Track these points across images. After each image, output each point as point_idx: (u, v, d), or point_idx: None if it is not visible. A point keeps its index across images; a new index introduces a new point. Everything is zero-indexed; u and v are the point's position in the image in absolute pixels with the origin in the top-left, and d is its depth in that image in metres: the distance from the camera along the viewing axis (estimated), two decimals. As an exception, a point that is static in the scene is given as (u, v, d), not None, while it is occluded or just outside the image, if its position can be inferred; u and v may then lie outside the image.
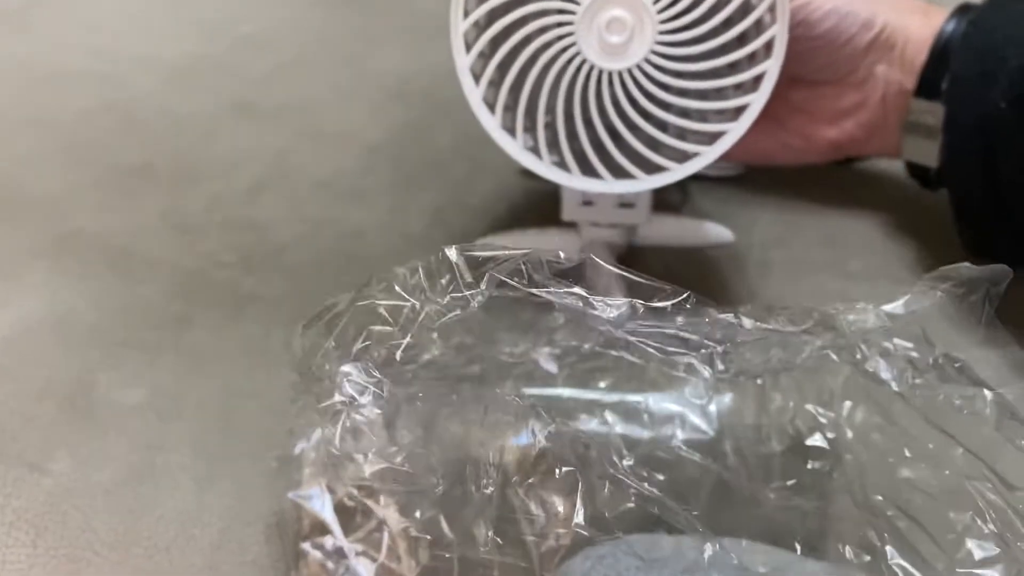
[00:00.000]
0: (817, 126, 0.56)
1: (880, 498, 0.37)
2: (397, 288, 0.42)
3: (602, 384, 0.44)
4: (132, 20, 0.83)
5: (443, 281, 0.42)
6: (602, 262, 0.54)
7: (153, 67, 0.76)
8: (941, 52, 0.52)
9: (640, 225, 0.55)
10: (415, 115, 0.71)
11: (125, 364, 0.50)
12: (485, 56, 0.46)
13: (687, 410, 0.42)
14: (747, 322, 0.41)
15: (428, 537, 0.38)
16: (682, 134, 0.47)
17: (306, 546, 0.39)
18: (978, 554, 0.35)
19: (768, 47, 0.45)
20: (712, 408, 0.42)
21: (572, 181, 0.47)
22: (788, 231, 0.60)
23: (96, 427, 0.46)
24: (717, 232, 0.58)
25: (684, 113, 0.46)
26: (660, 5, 0.44)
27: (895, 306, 0.41)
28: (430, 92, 0.73)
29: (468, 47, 0.46)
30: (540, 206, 0.60)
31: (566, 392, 0.43)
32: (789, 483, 0.39)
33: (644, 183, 0.47)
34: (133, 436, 0.46)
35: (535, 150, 0.47)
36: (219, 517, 0.43)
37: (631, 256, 0.57)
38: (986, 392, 0.39)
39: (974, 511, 0.36)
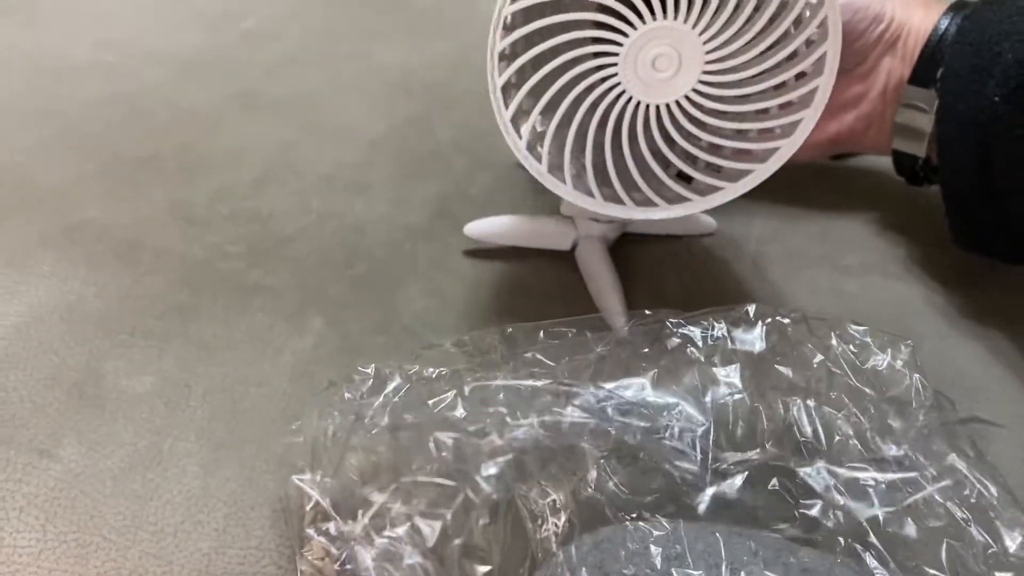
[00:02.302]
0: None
1: (859, 547, 0.37)
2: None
3: (599, 373, 0.44)
4: (138, 13, 0.84)
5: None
6: (596, 258, 0.55)
7: (159, 60, 0.76)
8: (936, 45, 0.52)
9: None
10: (417, 109, 0.72)
11: (133, 353, 0.51)
12: (517, 81, 0.45)
13: (683, 400, 0.43)
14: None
15: (431, 498, 0.40)
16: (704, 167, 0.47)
17: (310, 531, 0.40)
18: None
19: (809, 96, 0.45)
20: (707, 399, 0.43)
21: (594, 206, 0.47)
22: (784, 226, 0.61)
23: (104, 414, 0.47)
24: (702, 221, 0.59)
25: (710, 148, 0.46)
26: (710, 45, 0.43)
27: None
28: (432, 86, 0.74)
29: (502, 68, 0.45)
30: (540, 198, 0.61)
31: (563, 381, 0.43)
32: (785, 530, 0.39)
33: (665, 212, 0.47)
34: (140, 423, 0.47)
35: (558, 172, 0.47)
36: (225, 502, 0.44)
37: (626, 248, 0.58)
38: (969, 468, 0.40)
39: (951, 572, 0.37)
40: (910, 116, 0.54)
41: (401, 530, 0.39)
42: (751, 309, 0.46)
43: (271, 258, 0.57)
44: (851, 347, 0.44)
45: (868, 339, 0.45)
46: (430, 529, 0.39)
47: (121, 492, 0.44)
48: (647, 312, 0.47)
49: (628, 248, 0.58)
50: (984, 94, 0.49)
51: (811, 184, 0.64)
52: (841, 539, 0.38)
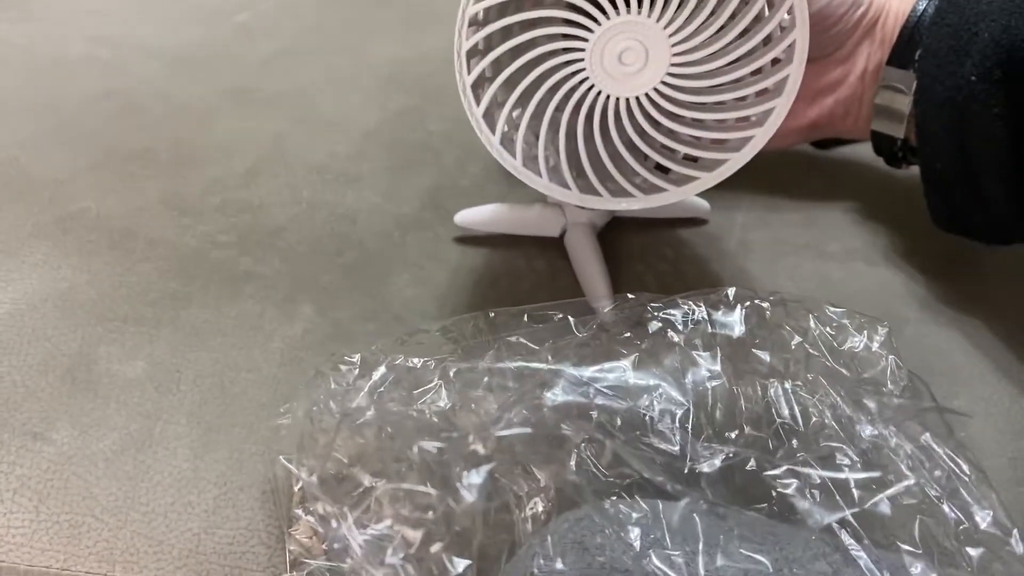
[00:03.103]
0: (799, 106, 0.56)
1: (835, 524, 0.38)
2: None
3: (582, 356, 0.45)
4: (132, 7, 0.84)
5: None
6: (584, 245, 0.55)
7: (153, 54, 0.77)
8: (915, 26, 0.53)
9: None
10: (409, 102, 0.72)
11: (125, 339, 0.51)
12: (489, 75, 0.46)
13: (663, 382, 0.43)
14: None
15: (414, 502, 0.40)
16: (680, 159, 0.47)
17: (299, 511, 0.41)
18: None
19: (779, 85, 0.45)
20: (687, 382, 0.43)
21: (570, 198, 0.48)
22: (768, 214, 0.61)
23: (97, 398, 0.48)
24: (696, 204, 0.59)
25: (685, 139, 0.47)
26: (676, 39, 0.43)
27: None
28: (424, 79, 0.75)
29: (470, 65, 0.45)
30: (530, 189, 0.61)
31: (546, 364, 0.44)
32: (761, 506, 0.40)
33: (641, 202, 0.48)
34: (132, 407, 0.48)
35: (533, 166, 0.47)
36: (215, 483, 0.44)
37: (612, 234, 0.58)
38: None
39: (926, 552, 0.37)
40: (889, 97, 0.54)
41: (385, 527, 0.39)
42: (731, 292, 0.46)
43: (262, 247, 0.58)
44: (828, 329, 0.45)
45: (845, 321, 0.45)
46: (413, 534, 0.39)
47: (113, 474, 0.45)
48: (630, 296, 0.48)
49: (617, 233, 0.58)
50: (961, 74, 0.49)
51: (795, 173, 0.64)
52: (818, 516, 0.38)
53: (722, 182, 0.47)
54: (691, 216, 0.60)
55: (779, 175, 0.63)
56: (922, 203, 0.55)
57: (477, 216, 0.58)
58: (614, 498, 0.39)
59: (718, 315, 0.45)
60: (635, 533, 0.36)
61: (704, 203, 0.60)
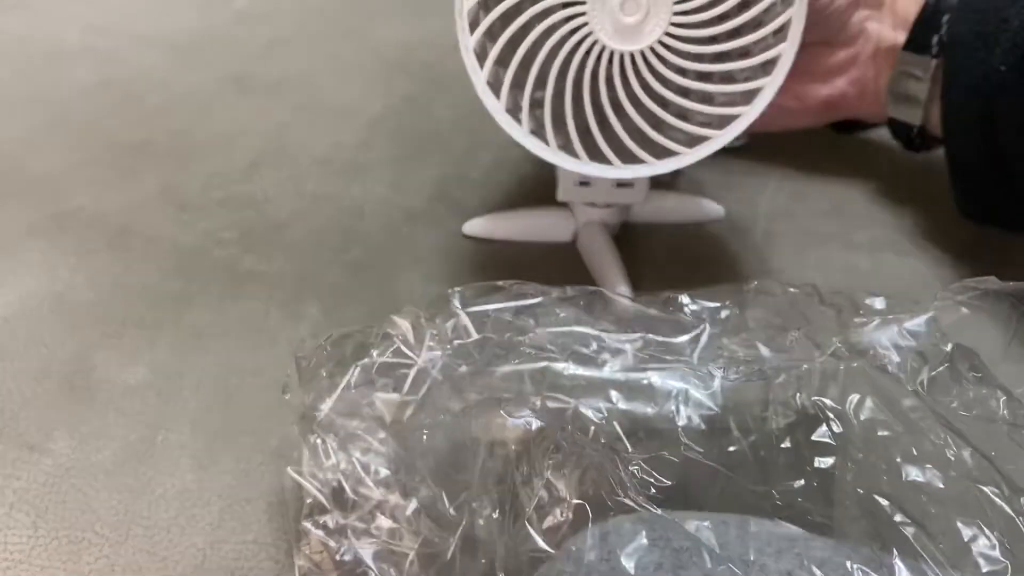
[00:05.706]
0: (810, 85, 0.56)
1: (885, 502, 0.36)
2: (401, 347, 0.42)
3: (604, 361, 0.43)
4: (129, -4, 0.83)
5: (447, 326, 0.43)
6: (598, 244, 0.54)
7: (151, 43, 0.76)
8: (934, 9, 0.51)
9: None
10: (415, 89, 0.71)
11: (124, 343, 0.49)
12: (491, 36, 0.45)
13: (690, 387, 0.41)
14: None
15: (429, 515, 0.38)
16: (691, 117, 0.46)
17: (307, 524, 0.39)
18: (984, 566, 0.34)
19: (782, 29, 0.44)
20: (716, 384, 0.42)
21: (580, 167, 0.46)
22: (793, 202, 0.59)
23: (96, 407, 0.46)
24: (709, 208, 0.58)
25: (694, 96, 0.45)
26: None
27: (917, 323, 0.41)
28: (430, 65, 0.73)
29: (472, 27, 0.44)
30: (541, 178, 0.60)
31: (568, 368, 0.42)
32: (796, 484, 0.38)
33: (654, 168, 0.46)
34: (133, 415, 0.46)
35: (541, 134, 0.46)
36: (220, 496, 0.43)
37: (634, 231, 0.56)
38: (999, 392, 0.39)
39: (981, 519, 0.35)
40: (905, 83, 0.53)
41: (399, 542, 0.38)
42: (760, 285, 0.44)
43: (265, 244, 0.56)
44: (867, 318, 0.43)
45: (883, 307, 0.43)
46: (431, 549, 0.38)
47: (113, 486, 0.43)
48: (653, 292, 0.46)
49: (633, 238, 0.57)
50: (990, 63, 0.48)
51: (820, 160, 0.63)
52: (860, 489, 0.37)
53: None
54: (703, 220, 0.58)
55: (803, 162, 0.62)
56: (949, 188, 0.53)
57: (485, 225, 0.57)
58: (642, 506, 0.37)
59: (748, 308, 0.43)
60: (664, 543, 0.35)
61: (717, 207, 0.58)
